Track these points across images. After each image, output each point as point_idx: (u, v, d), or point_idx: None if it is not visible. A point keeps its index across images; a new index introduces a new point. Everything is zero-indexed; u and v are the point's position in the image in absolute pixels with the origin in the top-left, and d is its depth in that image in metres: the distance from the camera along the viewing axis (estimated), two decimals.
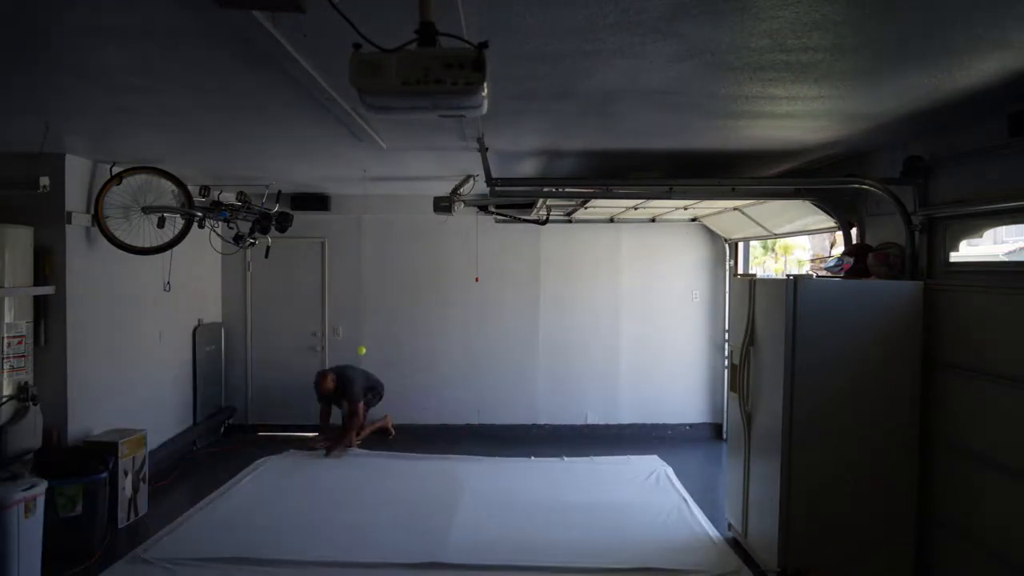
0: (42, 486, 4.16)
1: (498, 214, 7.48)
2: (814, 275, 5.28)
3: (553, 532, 5.16)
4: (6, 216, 4.86)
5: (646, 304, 8.21)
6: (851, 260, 4.68)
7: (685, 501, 5.82)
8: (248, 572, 4.48)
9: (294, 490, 6.13)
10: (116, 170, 5.38)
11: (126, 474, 5.21)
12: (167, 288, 6.32)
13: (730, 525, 5.04)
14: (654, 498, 5.94)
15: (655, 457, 7.08)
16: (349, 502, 5.81)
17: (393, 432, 7.81)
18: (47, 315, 5.08)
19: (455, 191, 6.22)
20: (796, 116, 3.80)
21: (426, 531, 5.15)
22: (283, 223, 5.96)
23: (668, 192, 5.16)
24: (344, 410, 7.39)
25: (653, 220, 7.94)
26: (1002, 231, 4.70)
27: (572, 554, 4.72)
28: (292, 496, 5.96)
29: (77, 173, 5.32)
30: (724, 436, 7.80)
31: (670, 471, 6.62)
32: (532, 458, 7.08)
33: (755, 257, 12.12)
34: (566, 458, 7.07)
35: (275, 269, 7.87)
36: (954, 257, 4.10)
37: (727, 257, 8.13)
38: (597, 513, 5.55)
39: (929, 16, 2.39)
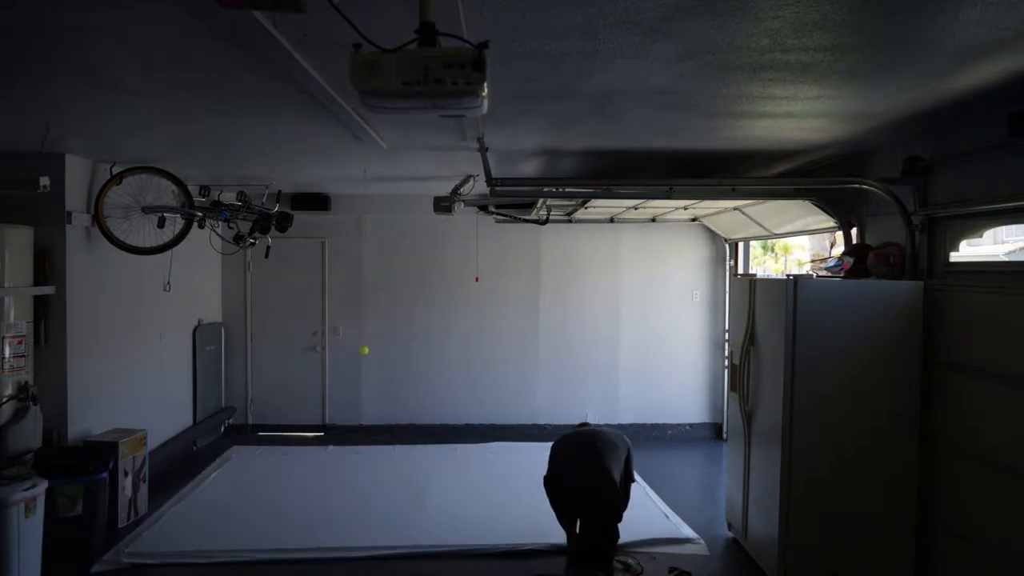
0: (42, 486, 4.16)
1: (498, 214, 7.49)
2: (814, 275, 5.28)
3: (515, 513, 5.47)
4: (6, 216, 4.86)
5: (646, 304, 8.21)
6: (851, 260, 4.68)
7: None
8: (233, 566, 4.58)
9: (266, 482, 6.32)
10: (116, 170, 5.38)
11: (126, 474, 5.21)
12: (167, 288, 6.32)
13: (730, 525, 5.05)
14: None
15: None
16: (324, 492, 6.04)
17: None
18: (47, 315, 5.07)
19: (455, 191, 6.22)
20: (796, 116, 3.81)
21: (402, 517, 5.42)
22: (283, 223, 5.95)
23: (668, 192, 5.16)
24: None
25: (653, 220, 7.94)
26: (1002, 231, 4.71)
27: (535, 533, 4.99)
28: (266, 488, 6.14)
29: (77, 173, 5.32)
30: (724, 436, 7.80)
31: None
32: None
33: (755, 257, 12.12)
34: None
35: (275, 269, 7.87)
36: (954, 257, 4.10)
37: (727, 257, 8.13)
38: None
39: (929, 16, 2.39)
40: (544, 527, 4.94)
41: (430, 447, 7.42)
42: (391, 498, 5.86)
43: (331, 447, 7.42)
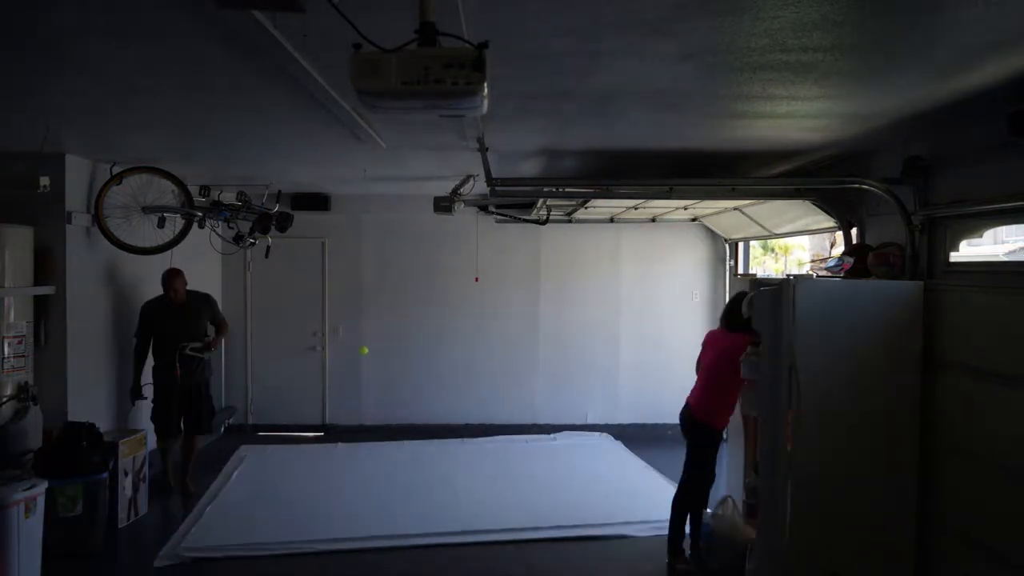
0: (42, 486, 4.16)
1: (498, 214, 7.49)
2: (814, 275, 5.28)
3: (542, 501, 5.79)
4: (6, 216, 4.85)
5: (646, 304, 8.21)
6: (851, 260, 4.67)
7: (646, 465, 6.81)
8: (290, 558, 4.65)
9: (290, 478, 6.40)
10: (116, 170, 5.38)
11: (126, 474, 5.21)
12: None
13: None
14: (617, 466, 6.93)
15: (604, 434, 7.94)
16: (349, 485, 6.16)
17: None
18: (47, 315, 5.07)
19: (455, 191, 6.22)
20: (796, 116, 3.80)
21: (433, 506, 5.62)
22: (283, 223, 5.96)
23: (668, 192, 5.16)
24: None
25: (653, 220, 7.94)
26: (1002, 231, 4.71)
27: (560, 518, 5.34)
28: (292, 484, 6.22)
29: (77, 173, 5.31)
30: (724, 436, 7.78)
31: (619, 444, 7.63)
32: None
33: (755, 257, 12.10)
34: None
35: (275, 269, 7.85)
36: (954, 257, 4.09)
37: (727, 257, 8.13)
38: (569, 482, 6.33)
39: (929, 16, 2.39)
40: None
41: (432, 442, 7.53)
42: (419, 490, 6.02)
43: (340, 444, 7.49)
